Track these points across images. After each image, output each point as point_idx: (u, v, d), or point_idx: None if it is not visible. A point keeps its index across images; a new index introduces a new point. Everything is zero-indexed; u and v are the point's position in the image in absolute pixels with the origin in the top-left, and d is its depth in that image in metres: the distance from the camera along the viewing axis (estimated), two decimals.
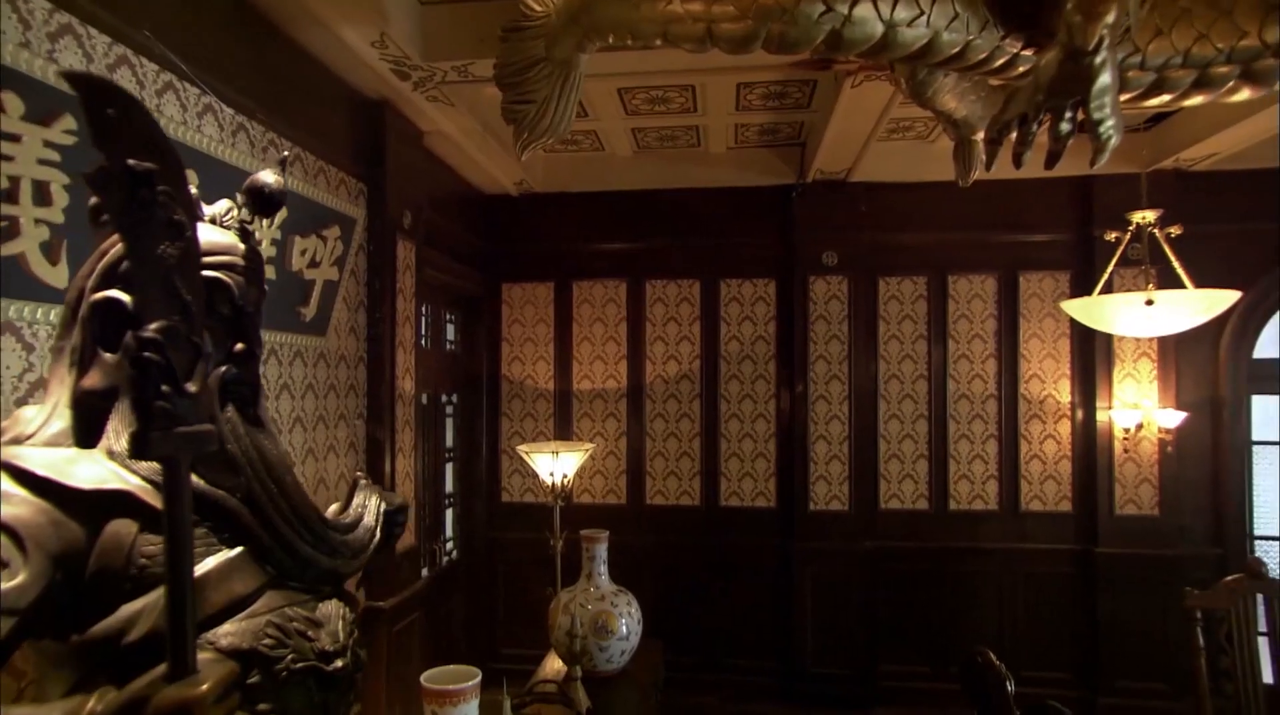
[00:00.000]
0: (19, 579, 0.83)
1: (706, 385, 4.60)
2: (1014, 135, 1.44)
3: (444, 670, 1.38)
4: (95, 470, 0.91)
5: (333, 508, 1.12)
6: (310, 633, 0.96)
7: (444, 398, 4.35)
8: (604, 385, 4.63)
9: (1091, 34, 1.21)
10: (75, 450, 0.94)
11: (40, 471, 0.88)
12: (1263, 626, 2.82)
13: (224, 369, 1.01)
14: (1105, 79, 1.29)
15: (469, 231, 4.44)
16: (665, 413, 4.62)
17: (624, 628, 2.46)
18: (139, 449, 0.78)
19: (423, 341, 3.88)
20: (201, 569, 0.91)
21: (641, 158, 4.53)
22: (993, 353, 4.37)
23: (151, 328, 0.78)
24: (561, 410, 4.64)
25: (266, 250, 2.29)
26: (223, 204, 1.10)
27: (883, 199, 4.37)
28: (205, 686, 0.77)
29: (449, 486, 4.40)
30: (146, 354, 0.77)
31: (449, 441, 4.42)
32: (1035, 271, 4.34)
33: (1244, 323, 4.19)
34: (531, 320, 4.70)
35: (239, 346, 1.04)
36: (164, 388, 0.78)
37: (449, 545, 4.37)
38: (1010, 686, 1.66)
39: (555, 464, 3.57)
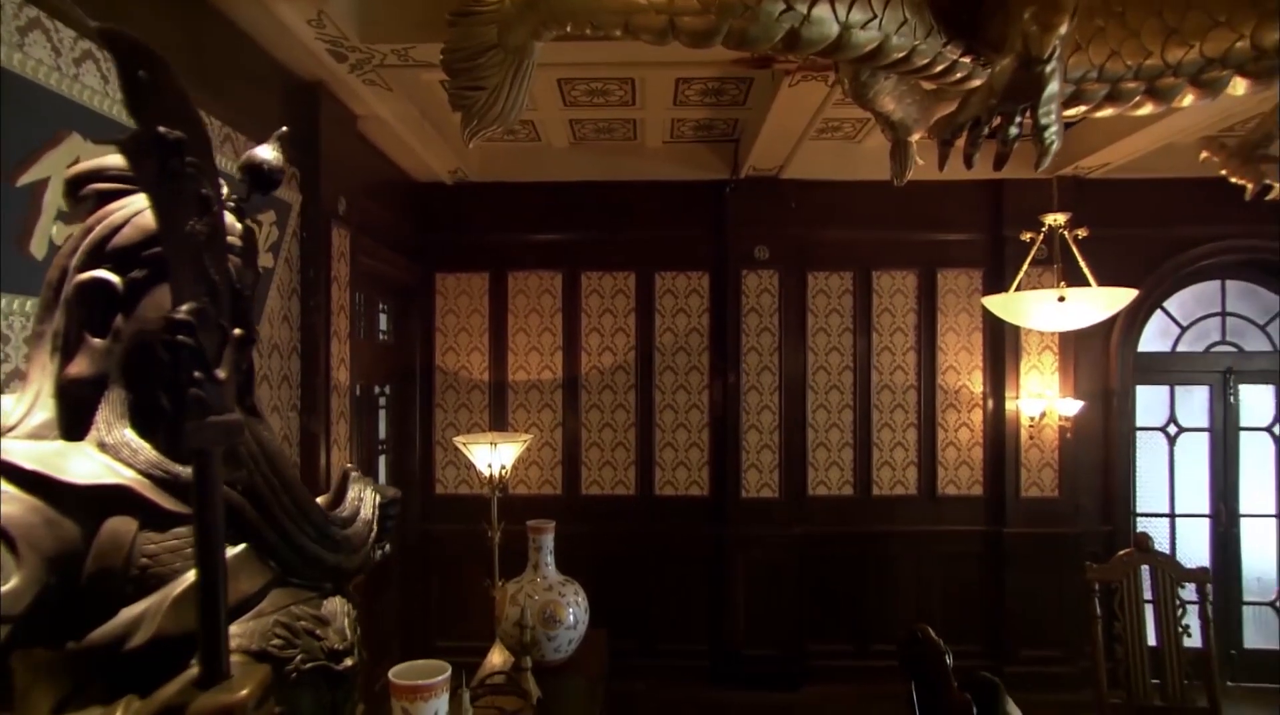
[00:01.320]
0: (12, 583, 0.76)
1: (641, 376, 4.64)
2: (965, 137, 1.52)
3: (413, 665, 1.35)
4: (88, 464, 0.84)
5: (320, 500, 1.08)
6: (319, 631, 0.91)
7: (377, 389, 4.23)
8: (540, 376, 4.61)
9: (1046, 44, 1.30)
10: (63, 443, 0.87)
11: (28, 466, 0.81)
12: (1148, 595, 3.09)
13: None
14: (1054, 87, 1.39)
15: (403, 220, 4.32)
16: (601, 403, 4.63)
17: (572, 617, 2.47)
18: (174, 440, 0.73)
19: (357, 332, 3.76)
20: None
21: (578, 149, 4.51)
22: (913, 345, 4.59)
23: (184, 309, 0.73)
24: (497, 401, 4.59)
25: None
26: None
27: (812, 196, 4.50)
28: (245, 691, 0.72)
29: (382, 479, 4.28)
30: (180, 338, 0.72)
31: (382, 433, 4.31)
32: (952, 268, 4.58)
33: (1131, 319, 4.55)
34: (466, 311, 4.62)
35: (237, 331, 0.99)
36: (196, 374, 0.72)
37: None
38: (949, 660, 1.76)
39: (493, 455, 3.54)
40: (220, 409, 0.74)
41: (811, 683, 4.40)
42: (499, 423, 4.57)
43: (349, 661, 0.93)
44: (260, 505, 0.91)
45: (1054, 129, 1.45)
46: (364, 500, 1.08)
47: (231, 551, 0.87)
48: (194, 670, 0.74)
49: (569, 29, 1.84)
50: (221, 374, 0.75)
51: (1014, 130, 1.44)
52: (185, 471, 0.86)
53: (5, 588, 0.75)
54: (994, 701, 1.72)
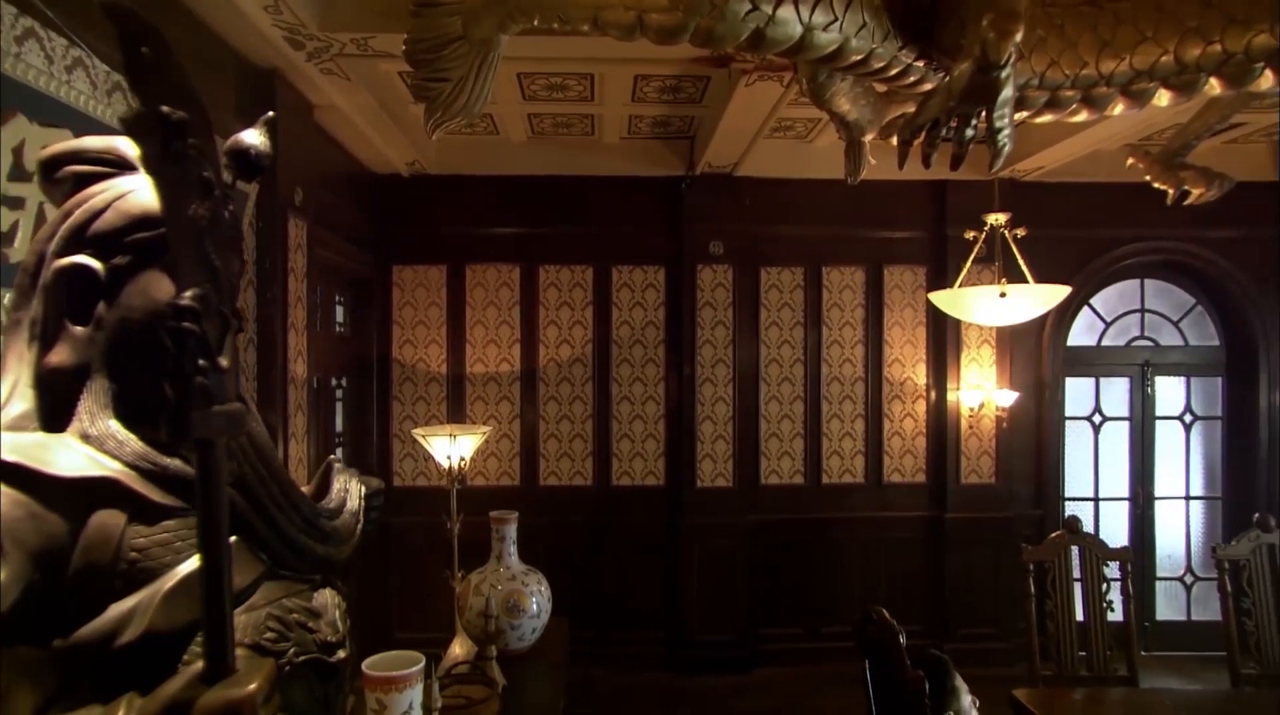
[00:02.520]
0: None
1: (599, 369, 4.65)
2: (923, 138, 1.58)
3: (386, 656, 1.34)
4: (72, 456, 0.80)
5: (303, 491, 1.05)
6: (311, 624, 0.89)
7: (334, 381, 4.14)
8: (498, 369, 4.58)
9: (1003, 50, 1.35)
10: (44, 434, 0.83)
11: (10, 458, 0.77)
12: (1077, 574, 3.26)
13: None
14: (1008, 91, 1.45)
15: (359, 212, 4.23)
16: (558, 396, 4.63)
17: (535, 606, 2.48)
18: (179, 430, 0.69)
19: (314, 324, 3.67)
20: (193, 564, 0.81)
21: (536, 143, 4.49)
22: (861, 339, 4.72)
23: (188, 295, 0.70)
24: (455, 393, 4.55)
25: None
26: None
27: (765, 193, 4.57)
28: (254, 686, 0.70)
29: None
30: (185, 324, 0.69)
31: (339, 426, 4.22)
32: (897, 265, 4.72)
33: (1061, 315, 4.76)
34: (424, 303, 4.55)
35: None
36: (201, 362, 0.70)
37: None
38: (903, 639, 1.83)
39: (452, 447, 3.50)
40: (223, 398, 0.72)
41: (763, 665, 4.50)
42: (457, 415, 4.52)
43: (341, 654, 0.91)
44: (250, 497, 0.88)
45: (1006, 132, 1.52)
46: (350, 491, 1.05)
47: None
48: (197, 665, 0.71)
49: (536, 22, 1.82)
50: (224, 362, 0.73)
51: (969, 132, 1.50)
52: (173, 463, 0.84)
53: None
54: (943, 677, 1.80)
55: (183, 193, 0.72)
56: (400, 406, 4.55)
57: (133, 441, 0.83)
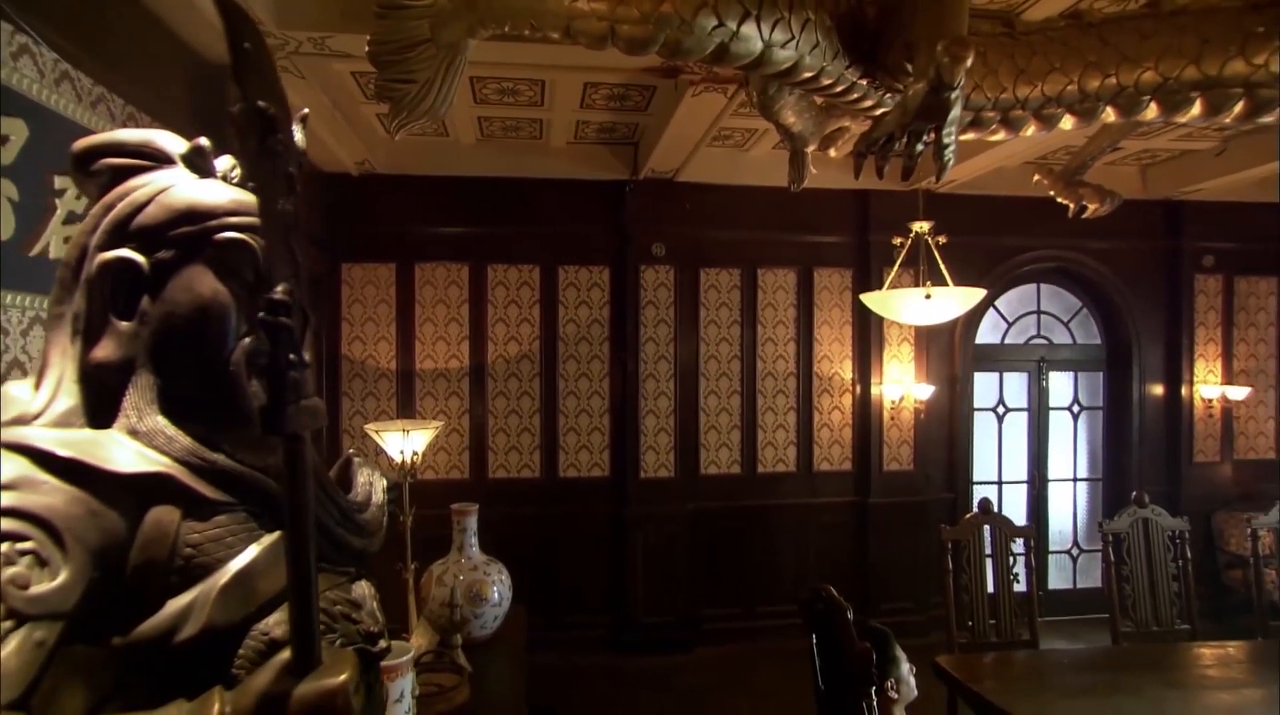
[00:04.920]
0: (61, 578, 0.69)
1: (546, 365, 4.65)
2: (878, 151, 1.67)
3: None
4: (125, 452, 0.77)
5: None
6: (354, 615, 0.88)
7: None
8: (447, 365, 4.51)
9: (956, 73, 1.45)
10: (92, 431, 0.79)
11: (64, 453, 0.74)
12: (988, 550, 3.48)
13: (248, 340, 0.87)
14: (956, 111, 1.56)
15: (308, 210, 4.08)
16: (507, 391, 4.60)
17: (496, 595, 2.48)
18: (275, 424, 0.67)
19: None
20: (246, 559, 0.80)
21: (484, 145, 4.44)
22: (793, 337, 4.87)
23: (280, 289, 0.69)
24: (404, 390, 4.46)
25: None
26: (226, 160, 0.94)
27: (705, 198, 4.66)
28: (345, 676, 0.69)
29: None
30: (281, 318, 0.67)
31: None
32: (826, 268, 4.89)
33: (971, 316, 5.04)
34: (373, 301, 4.44)
35: (262, 315, 0.92)
36: (292, 357, 0.68)
37: None
38: (850, 615, 1.92)
39: (405, 442, 3.44)
40: (307, 393, 0.71)
41: (704, 644, 4.60)
42: (407, 410, 4.44)
43: (383, 644, 0.90)
44: None
45: (952, 147, 1.63)
46: (374, 485, 1.04)
47: (268, 541, 0.83)
48: (281, 658, 0.70)
49: (507, 29, 1.82)
50: (307, 357, 0.72)
51: (919, 147, 1.60)
52: (220, 459, 0.82)
53: (55, 584, 0.69)
54: (885, 648, 1.91)
55: (275, 188, 0.71)
56: (350, 402, 4.43)
57: (181, 437, 0.81)
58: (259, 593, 0.80)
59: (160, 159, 0.88)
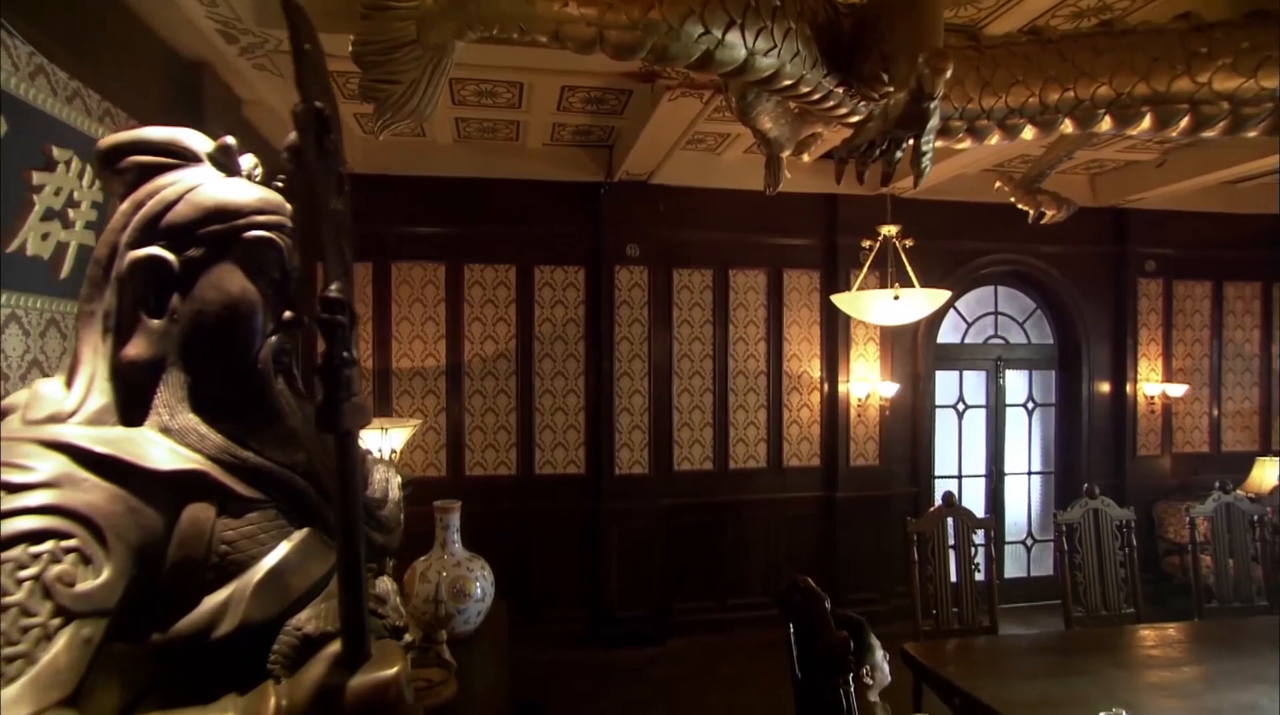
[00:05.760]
0: (104, 576, 0.68)
1: (522, 363, 4.64)
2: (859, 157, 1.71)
3: None
4: (160, 450, 0.76)
5: None
6: (380, 609, 0.88)
7: None
8: (424, 363, 4.47)
9: (937, 84, 1.49)
10: (124, 429, 0.77)
11: (103, 451, 0.72)
12: (951, 541, 3.57)
13: (274, 338, 0.87)
14: (935, 120, 1.60)
15: None
16: (483, 389, 4.58)
17: (479, 590, 2.47)
18: (331, 421, 0.67)
19: None
20: (278, 555, 0.80)
21: (461, 146, 4.41)
22: (764, 336, 4.94)
23: (335, 288, 0.69)
24: (381, 388, 4.40)
25: (86, 214, 1.93)
26: (249, 159, 0.94)
27: (678, 200, 4.69)
28: (398, 667, 0.70)
29: None
30: (337, 317, 0.67)
31: None
32: (795, 269, 4.96)
33: (933, 316, 5.16)
34: None
35: (287, 314, 0.90)
36: (345, 355, 0.68)
37: None
38: (828, 605, 1.96)
39: (384, 440, 3.42)
40: (357, 391, 0.71)
41: (677, 636, 4.63)
42: (383, 408, 4.38)
43: (408, 636, 0.91)
44: (319, 488, 0.86)
45: (929, 155, 1.68)
46: (390, 481, 1.04)
47: (299, 537, 0.83)
48: (330, 650, 0.70)
49: (495, 31, 1.81)
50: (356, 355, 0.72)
51: (899, 154, 1.65)
52: (251, 456, 0.82)
53: (100, 581, 0.68)
54: (861, 636, 1.96)
55: (329, 187, 0.71)
56: None
57: (213, 435, 0.80)
58: (292, 589, 0.80)
59: (186, 157, 0.87)
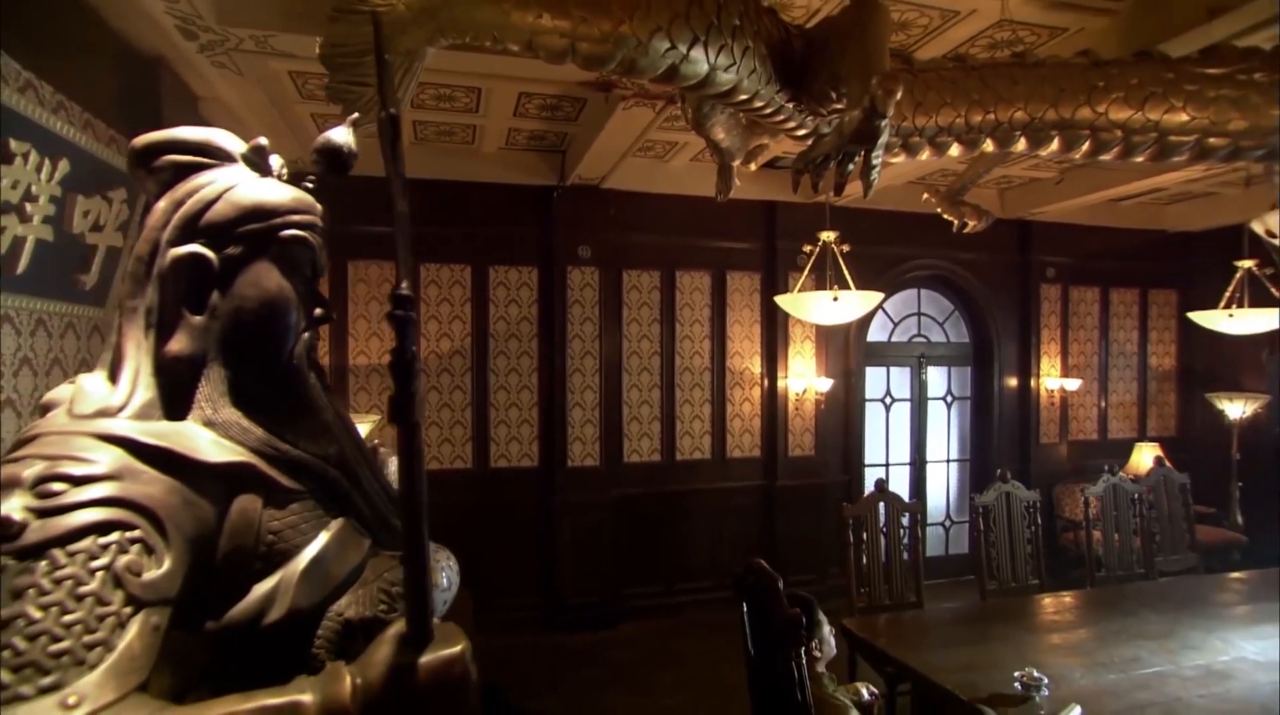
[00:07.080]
0: (166, 565, 0.68)
1: (477, 360, 4.60)
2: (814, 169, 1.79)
3: None
4: (208, 443, 0.76)
5: None
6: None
7: None
8: (381, 361, 4.38)
9: (889, 103, 1.58)
10: (170, 423, 0.77)
11: (157, 444, 0.72)
12: (882, 525, 3.75)
13: (306, 334, 0.88)
14: (885, 137, 1.70)
15: None
16: (439, 385, 4.52)
17: (445, 580, 2.41)
18: (404, 414, 0.67)
19: None
20: (319, 545, 0.80)
21: (418, 148, 4.33)
22: (708, 334, 5.04)
23: (405, 286, 0.70)
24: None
25: (44, 208, 1.83)
26: (278, 159, 0.93)
27: (628, 204, 4.73)
28: (464, 644, 0.71)
29: None
30: (410, 313, 0.68)
31: None
32: (737, 271, 5.08)
33: (864, 316, 5.36)
34: None
35: (318, 311, 0.91)
36: (413, 349, 0.69)
37: None
38: (781, 585, 2.04)
39: None
40: (422, 386, 0.72)
41: (627, 621, 4.68)
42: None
43: (435, 621, 0.92)
44: (353, 479, 0.87)
45: (878, 169, 1.78)
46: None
47: (335, 527, 0.83)
48: (394, 631, 0.71)
49: (468, 39, 1.81)
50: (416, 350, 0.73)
51: (850, 167, 1.74)
52: (291, 449, 0.82)
53: (163, 570, 0.69)
54: (811, 612, 2.06)
55: (399, 189, 0.73)
56: None
57: (255, 428, 0.80)
58: (332, 576, 0.81)
59: (221, 157, 0.87)
